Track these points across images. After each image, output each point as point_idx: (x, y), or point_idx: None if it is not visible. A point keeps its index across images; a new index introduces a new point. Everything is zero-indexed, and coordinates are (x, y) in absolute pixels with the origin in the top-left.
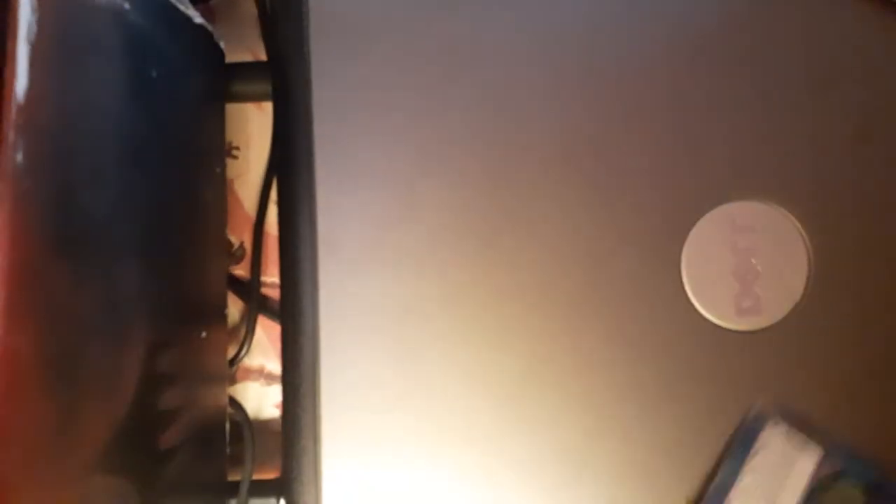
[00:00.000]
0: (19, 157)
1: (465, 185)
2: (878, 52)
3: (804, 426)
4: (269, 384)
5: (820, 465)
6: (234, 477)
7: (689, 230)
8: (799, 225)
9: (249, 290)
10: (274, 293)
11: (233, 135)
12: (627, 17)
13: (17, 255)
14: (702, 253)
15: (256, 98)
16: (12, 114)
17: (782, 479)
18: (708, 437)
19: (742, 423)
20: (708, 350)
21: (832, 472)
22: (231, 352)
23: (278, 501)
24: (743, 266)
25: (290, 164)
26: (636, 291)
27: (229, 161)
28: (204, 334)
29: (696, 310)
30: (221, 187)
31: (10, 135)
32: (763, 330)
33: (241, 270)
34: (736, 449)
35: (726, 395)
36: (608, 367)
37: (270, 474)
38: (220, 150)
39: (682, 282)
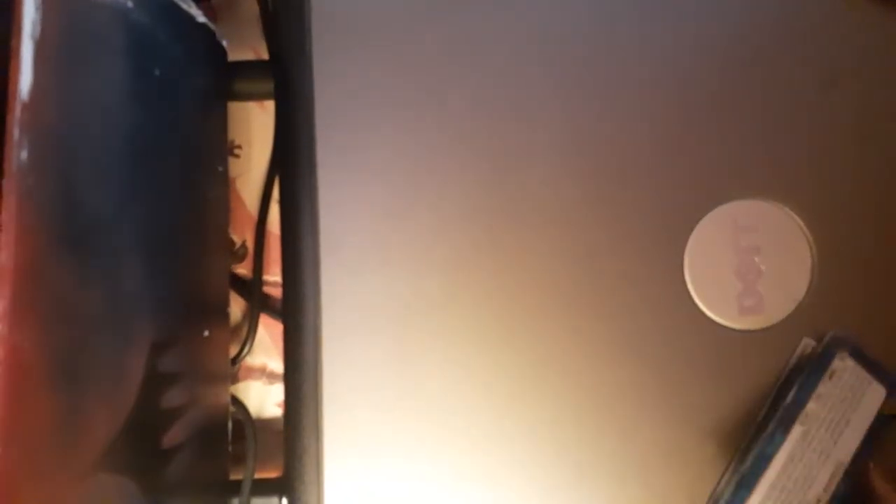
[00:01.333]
0: (24, 154)
1: (466, 184)
2: (881, 51)
3: (869, 365)
4: (271, 383)
5: (884, 403)
6: (236, 476)
7: (691, 229)
8: (802, 223)
9: (251, 288)
10: (276, 292)
11: (235, 133)
12: (629, 16)
13: (22, 252)
14: (704, 252)
15: (258, 97)
16: (17, 111)
17: (850, 410)
18: (710, 436)
19: (815, 348)
20: (710, 349)
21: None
22: (233, 351)
23: (280, 500)
24: (745, 265)
25: (292, 163)
26: (639, 290)
27: (231, 160)
28: (206, 333)
29: (698, 309)
30: (224, 186)
31: (15, 132)
32: (766, 329)
33: (243, 269)
34: (808, 372)
35: (729, 393)
36: (610, 366)
37: (272, 473)
38: (222, 149)
39: (684, 281)
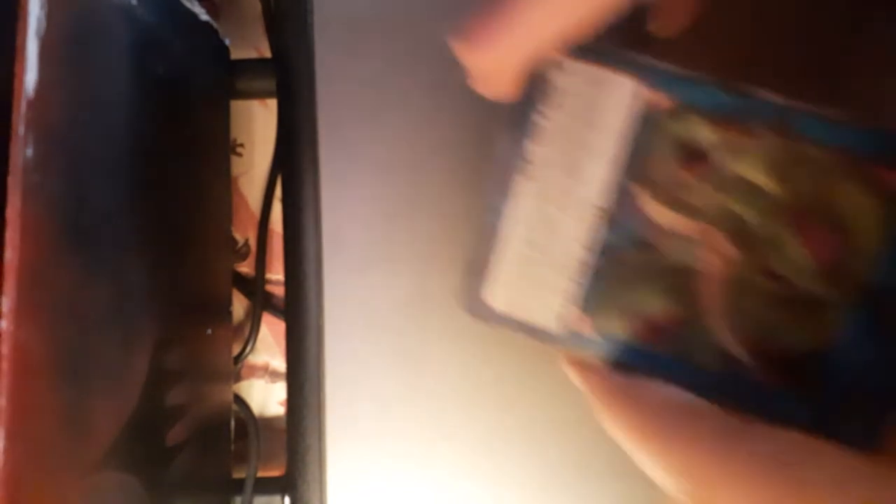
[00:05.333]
0: (29, 151)
1: (469, 182)
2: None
3: (616, 55)
4: (273, 381)
5: (638, 97)
6: (239, 474)
7: None
8: None
9: (254, 287)
10: (279, 290)
11: (237, 132)
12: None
13: (28, 249)
14: None
15: (261, 95)
16: (22, 108)
17: (587, 130)
18: None
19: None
20: None
21: (661, 102)
22: (236, 349)
23: (283, 499)
24: None
25: (294, 161)
26: None
27: (234, 158)
28: (209, 331)
29: None
30: (226, 184)
31: (21, 129)
32: None
33: (245, 268)
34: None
35: None
36: None
37: (275, 471)
38: (225, 147)
39: None
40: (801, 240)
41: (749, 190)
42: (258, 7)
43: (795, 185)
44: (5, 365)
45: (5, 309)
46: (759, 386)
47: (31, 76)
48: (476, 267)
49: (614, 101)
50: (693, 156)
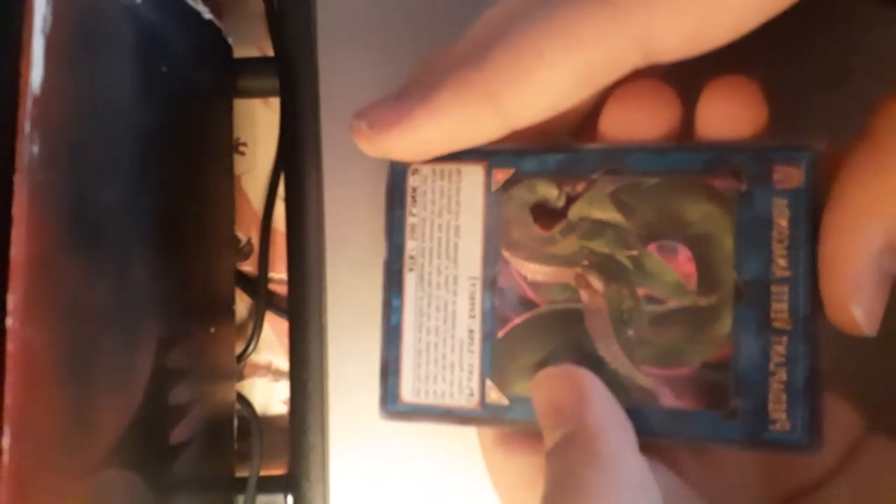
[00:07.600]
0: (35, 149)
1: None
2: (892, 47)
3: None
4: (276, 380)
5: (488, 178)
6: (241, 473)
7: None
8: None
9: (257, 286)
10: (281, 289)
11: (240, 131)
12: None
13: (34, 247)
14: None
15: (264, 94)
16: (28, 106)
17: (453, 216)
18: None
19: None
20: None
21: (508, 178)
22: (239, 348)
23: (286, 498)
24: None
25: (297, 160)
26: None
27: (237, 157)
28: (212, 330)
29: None
30: (229, 183)
31: (26, 126)
32: None
33: (248, 267)
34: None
35: None
36: None
37: (278, 471)
38: (227, 146)
39: None
40: (662, 260)
41: (606, 229)
42: (261, 6)
43: (642, 214)
44: (11, 363)
45: (12, 307)
46: (679, 412)
47: (36, 74)
48: (387, 369)
49: (468, 187)
50: (549, 214)
